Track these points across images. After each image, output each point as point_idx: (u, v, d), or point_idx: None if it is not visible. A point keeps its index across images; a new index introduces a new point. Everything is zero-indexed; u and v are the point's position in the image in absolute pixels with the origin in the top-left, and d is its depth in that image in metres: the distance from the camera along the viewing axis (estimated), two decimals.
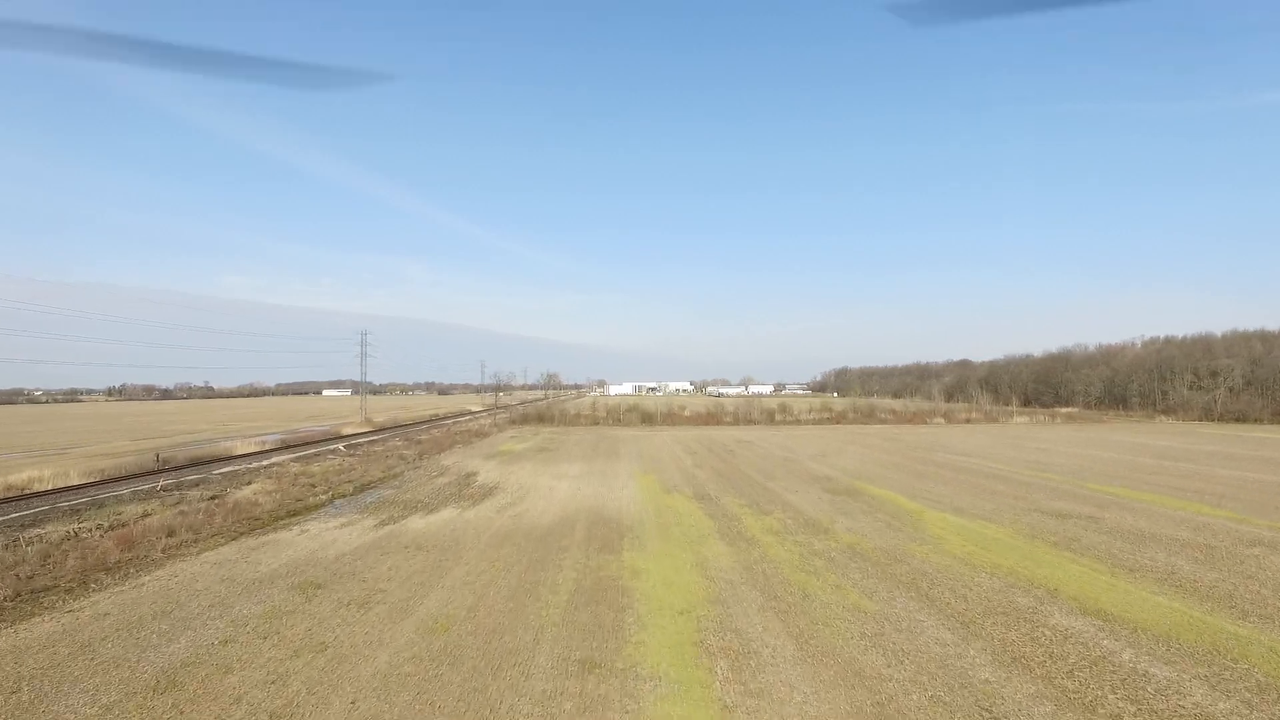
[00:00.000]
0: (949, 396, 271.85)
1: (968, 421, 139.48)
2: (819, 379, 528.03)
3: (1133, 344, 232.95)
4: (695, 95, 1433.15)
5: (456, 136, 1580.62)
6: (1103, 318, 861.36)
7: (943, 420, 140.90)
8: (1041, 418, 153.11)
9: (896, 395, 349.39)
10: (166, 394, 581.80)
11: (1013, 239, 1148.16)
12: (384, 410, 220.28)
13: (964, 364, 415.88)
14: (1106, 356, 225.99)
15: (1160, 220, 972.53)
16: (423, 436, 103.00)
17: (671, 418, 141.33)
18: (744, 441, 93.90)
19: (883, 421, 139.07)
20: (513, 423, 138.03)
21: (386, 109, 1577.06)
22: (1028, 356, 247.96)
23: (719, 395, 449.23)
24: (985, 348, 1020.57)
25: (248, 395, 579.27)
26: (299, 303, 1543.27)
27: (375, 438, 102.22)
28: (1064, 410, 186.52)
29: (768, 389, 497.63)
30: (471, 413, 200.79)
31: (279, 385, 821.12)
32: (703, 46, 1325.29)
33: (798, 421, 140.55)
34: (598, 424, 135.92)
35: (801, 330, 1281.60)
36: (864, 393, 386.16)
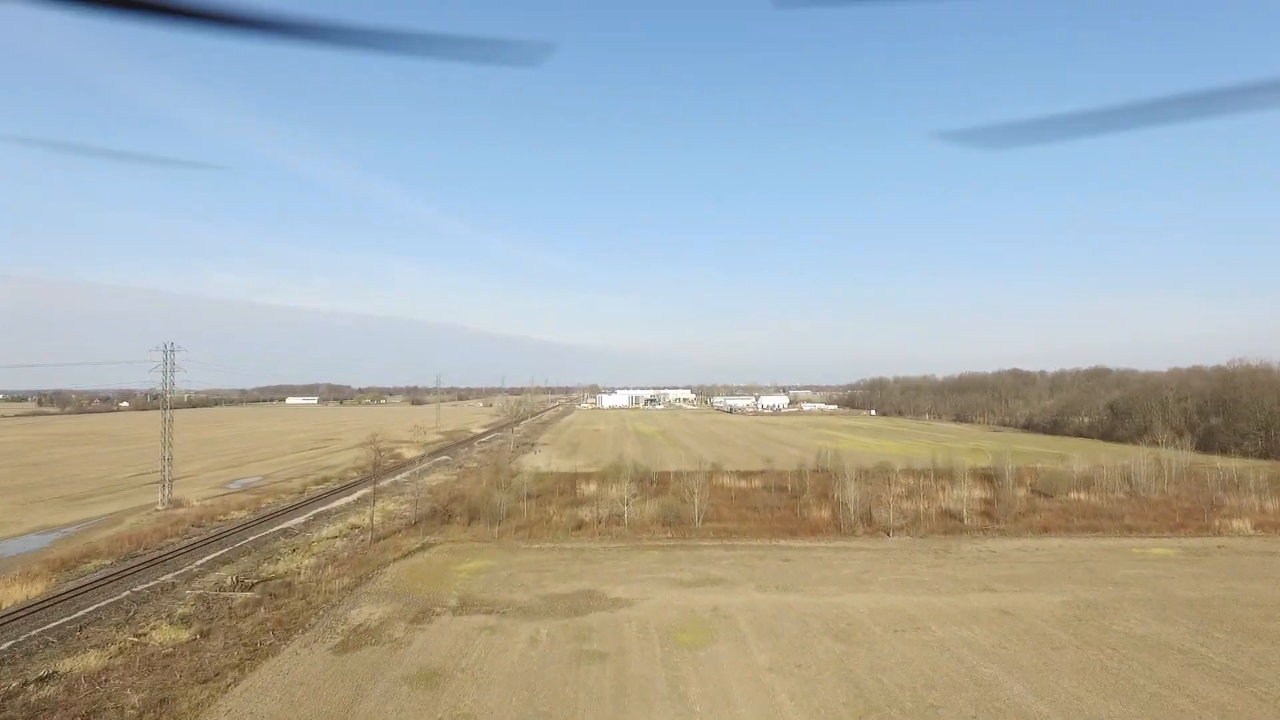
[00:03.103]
0: (1040, 424, 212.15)
1: None
2: (844, 390, 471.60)
3: None
4: (695, 95, 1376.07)
5: (451, 134, 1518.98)
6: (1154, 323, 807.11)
7: None
8: None
9: (960, 418, 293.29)
10: (107, 402, 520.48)
11: (1017, 244, 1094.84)
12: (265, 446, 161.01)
13: (1017, 374, 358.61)
14: None
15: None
16: None
17: (729, 536, 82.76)
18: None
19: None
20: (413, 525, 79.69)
21: (379, 106, 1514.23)
22: (1193, 368, 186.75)
23: (730, 410, 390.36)
24: (1009, 354, 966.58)
25: (196, 405, 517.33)
26: (288, 302, 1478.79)
27: None
28: None
29: (782, 400, 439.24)
30: (395, 456, 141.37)
31: (244, 392, 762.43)
32: (712, 46, 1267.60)
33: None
34: (578, 534, 77.59)
35: (800, 332, 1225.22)
36: (910, 411, 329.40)
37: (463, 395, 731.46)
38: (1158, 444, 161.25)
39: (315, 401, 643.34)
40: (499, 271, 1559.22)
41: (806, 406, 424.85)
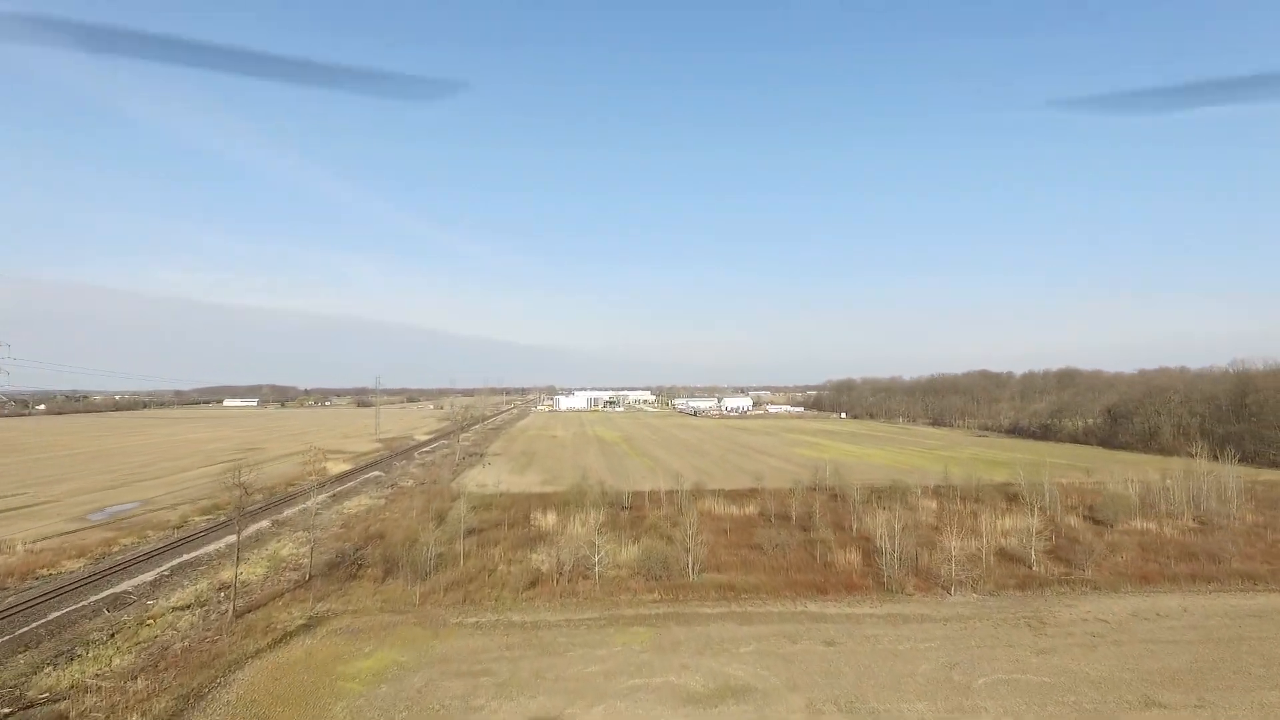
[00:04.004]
0: (1028, 429, 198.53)
1: None
2: (806, 391, 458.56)
3: None
4: (654, 94, 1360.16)
5: (406, 130, 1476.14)
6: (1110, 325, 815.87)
7: None
8: None
9: (936, 421, 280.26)
10: (24, 406, 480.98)
11: (977, 245, 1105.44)
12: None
13: (986, 374, 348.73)
14: None
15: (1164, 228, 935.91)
16: None
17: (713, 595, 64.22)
18: None
19: None
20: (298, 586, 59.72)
21: (329, 100, 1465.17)
22: (1204, 370, 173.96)
23: (694, 413, 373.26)
24: (971, 355, 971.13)
25: (123, 409, 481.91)
26: (235, 301, 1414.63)
27: None
28: None
29: (746, 402, 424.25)
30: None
31: (180, 393, 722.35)
32: (675, 45, 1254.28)
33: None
34: (533, 595, 58.42)
35: (759, 333, 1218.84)
36: (882, 413, 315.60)
37: (413, 397, 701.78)
38: (1166, 452, 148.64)
39: (255, 404, 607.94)
40: (455, 271, 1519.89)
41: (772, 409, 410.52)
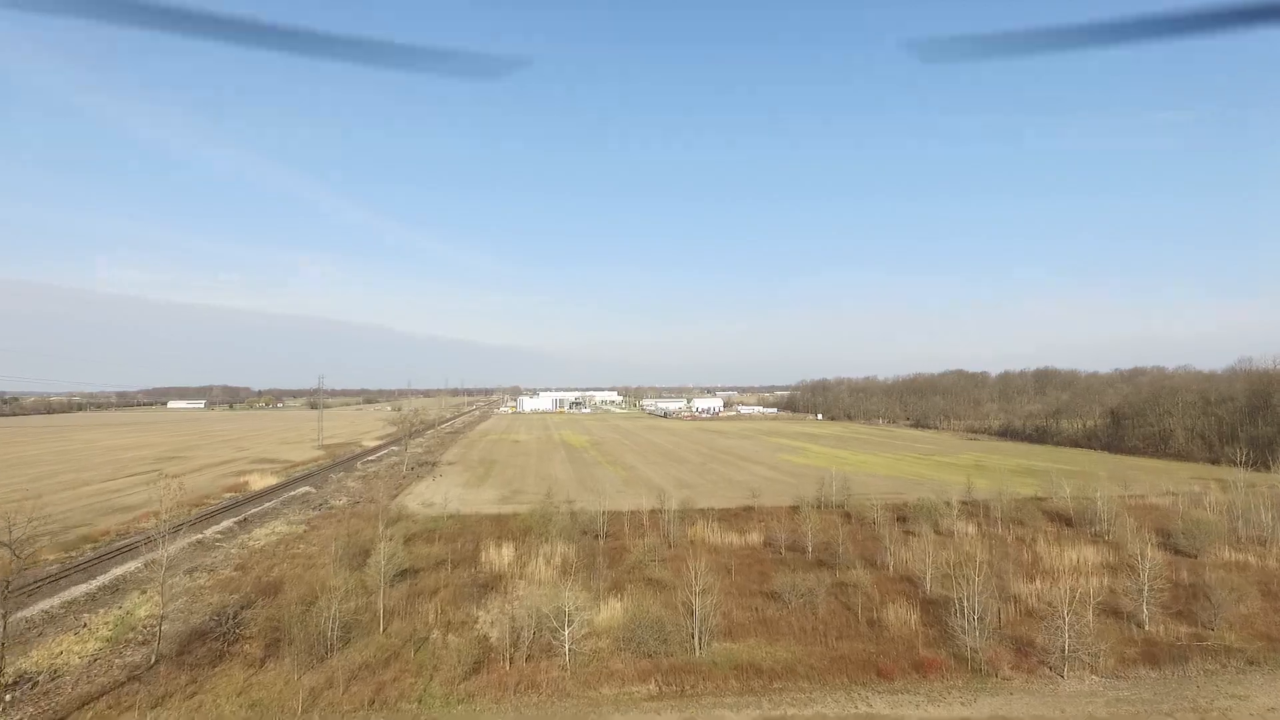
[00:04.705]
0: (1023, 431, 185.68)
1: None
2: (772, 391, 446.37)
3: None
4: (623, 89, 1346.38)
5: (365, 123, 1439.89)
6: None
7: None
8: None
9: (919, 423, 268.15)
10: None
11: (947, 243, 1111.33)
12: None
13: (964, 374, 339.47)
14: None
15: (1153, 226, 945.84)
16: None
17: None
18: None
19: None
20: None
21: (281, 91, 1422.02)
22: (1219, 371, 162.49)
23: (664, 414, 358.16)
24: (948, 355, 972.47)
25: (55, 411, 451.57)
26: (189, 299, 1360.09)
27: None
28: None
29: (716, 403, 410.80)
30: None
31: (123, 395, 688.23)
32: (637, 39, 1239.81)
33: None
34: (476, 686, 41.85)
35: (727, 333, 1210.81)
36: (860, 414, 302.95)
37: (371, 398, 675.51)
38: (1181, 457, 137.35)
39: (203, 405, 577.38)
40: (416, 270, 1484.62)
41: (743, 409, 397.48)
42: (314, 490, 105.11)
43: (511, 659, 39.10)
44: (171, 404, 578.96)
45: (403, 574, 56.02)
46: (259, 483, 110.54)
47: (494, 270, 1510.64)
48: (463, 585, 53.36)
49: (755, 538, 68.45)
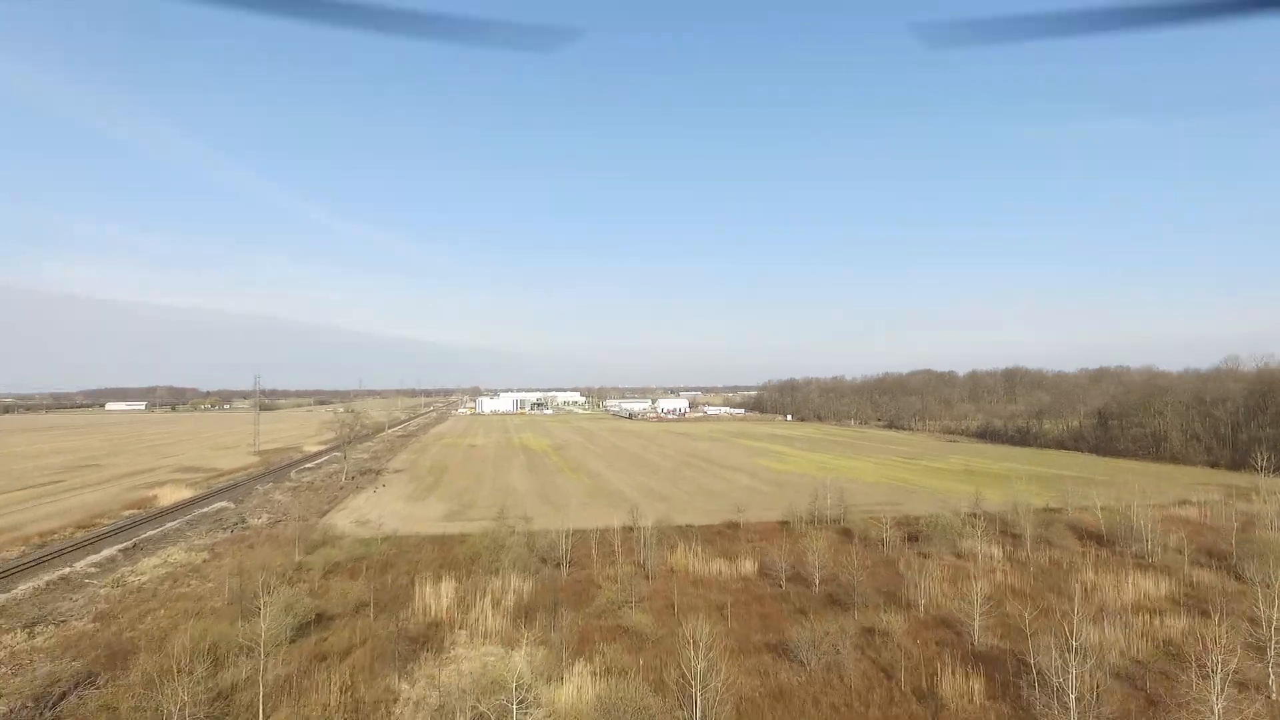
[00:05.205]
0: (1003, 433, 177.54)
1: None
2: (737, 392, 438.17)
3: None
4: (590, 76, 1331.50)
5: (315, 111, 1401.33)
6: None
7: None
8: None
9: (892, 424, 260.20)
10: None
11: (910, 239, 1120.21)
12: None
13: (932, 374, 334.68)
14: None
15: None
16: None
17: None
18: None
19: None
20: None
21: (231, 76, 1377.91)
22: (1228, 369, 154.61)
23: (629, 415, 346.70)
24: (912, 355, 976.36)
25: None
26: (137, 298, 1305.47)
27: None
28: None
29: (682, 404, 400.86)
30: None
31: (59, 396, 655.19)
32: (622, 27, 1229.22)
33: None
34: None
35: (693, 334, 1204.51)
36: (830, 415, 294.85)
37: (324, 399, 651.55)
38: (1176, 460, 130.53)
39: (143, 407, 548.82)
40: (374, 268, 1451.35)
41: (710, 410, 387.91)
42: (232, 505, 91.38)
43: None
44: (110, 406, 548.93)
45: (310, 623, 43.93)
46: (171, 496, 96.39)
47: (453, 268, 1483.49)
48: (386, 640, 41.31)
49: (748, 566, 57.43)
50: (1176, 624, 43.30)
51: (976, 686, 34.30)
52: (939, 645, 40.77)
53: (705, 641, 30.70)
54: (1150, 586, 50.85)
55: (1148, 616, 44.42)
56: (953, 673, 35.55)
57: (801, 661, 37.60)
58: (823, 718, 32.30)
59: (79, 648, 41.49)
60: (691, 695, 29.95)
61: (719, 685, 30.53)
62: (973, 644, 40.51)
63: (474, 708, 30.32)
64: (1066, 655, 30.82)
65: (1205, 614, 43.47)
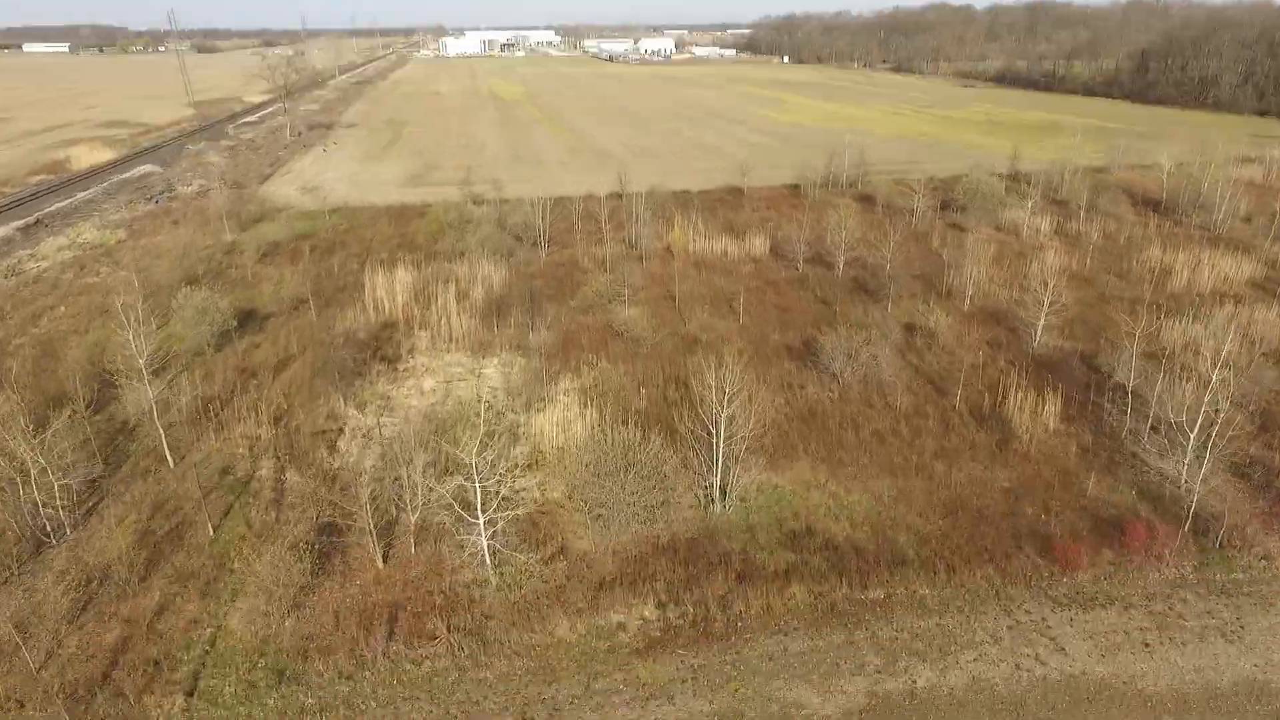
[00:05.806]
0: (1027, 78, 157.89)
1: None
2: (743, 33, 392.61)
3: None
4: None
5: None
6: None
7: None
8: None
9: (901, 67, 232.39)
10: None
11: None
12: None
13: (945, 7, 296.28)
14: None
15: None
16: None
17: None
18: None
19: None
20: None
21: None
22: None
23: (610, 58, 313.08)
24: None
25: None
26: None
27: None
28: None
29: (667, 44, 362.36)
30: None
31: None
32: None
33: None
34: None
35: None
36: (832, 57, 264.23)
37: (271, 40, 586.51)
38: (1223, 108, 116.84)
39: (66, 49, 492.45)
40: None
41: (700, 52, 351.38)
42: (159, 169, 79.42)
43: (387, 554, 21.41)
44: (28, 47, 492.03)
45: (242, 323, 36.30)
46: (88, 158, 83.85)
47: None
48: (330, 348, 34.02)
49: (759, 244, 48.97)
50: (1268, 315, 36.42)
51: (1050, 409, 27.85)
52: (992, 348, 34.15)
53: (731, 374, 22.69)
54: (1229, 268, 43.40)
55: (1232, 306, 37.37)
56: (1016, 387, 29.05)
57: (835, 374, 30.85)
58: (865, 451, 26.24)
59: None
60: (709, 431, 22.99)
61: (744, 418, 23.24)
62: (1034, 347, 33.80)
63: (436, 444, 23.84)
64: (1155, 368, 23.68)
65: None
